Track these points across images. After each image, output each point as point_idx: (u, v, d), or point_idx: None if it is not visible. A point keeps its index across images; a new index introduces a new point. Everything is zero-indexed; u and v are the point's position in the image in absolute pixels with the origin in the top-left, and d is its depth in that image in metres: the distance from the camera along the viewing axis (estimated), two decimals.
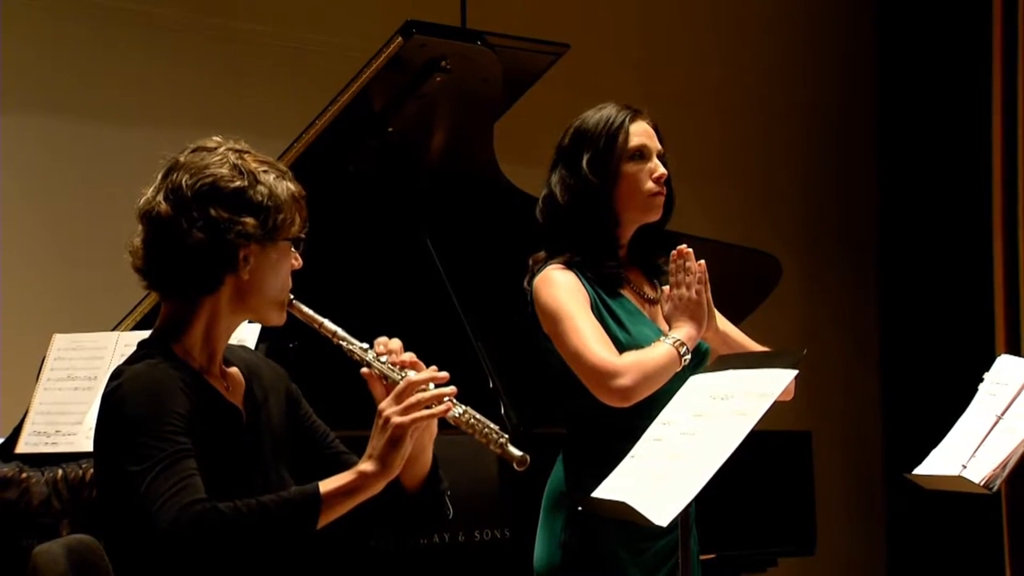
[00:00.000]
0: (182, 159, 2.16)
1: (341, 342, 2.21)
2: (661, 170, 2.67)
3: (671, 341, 2.56)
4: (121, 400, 2.05)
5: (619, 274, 2.69)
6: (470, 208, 3.90)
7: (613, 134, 2.66)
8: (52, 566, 2.16)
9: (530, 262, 2.72)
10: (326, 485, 2.05)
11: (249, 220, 2.11)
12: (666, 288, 2.66)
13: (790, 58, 6.31)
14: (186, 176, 2.12)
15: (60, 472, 2.87)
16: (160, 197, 2.13)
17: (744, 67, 6.16)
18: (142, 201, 2.16)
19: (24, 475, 2.81)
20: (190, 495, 1.97)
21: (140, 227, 2.16)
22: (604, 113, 2.69)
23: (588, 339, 2.55)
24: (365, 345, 2.21)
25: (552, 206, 2.69)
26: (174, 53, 4.79)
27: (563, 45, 3.85)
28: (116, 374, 2.10)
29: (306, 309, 2.22)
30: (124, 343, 3.15)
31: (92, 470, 2.85)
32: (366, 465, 2.07)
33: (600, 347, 2.55)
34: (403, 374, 2.16)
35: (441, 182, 3.87)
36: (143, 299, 3.49)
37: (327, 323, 2.22)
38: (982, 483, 2.50)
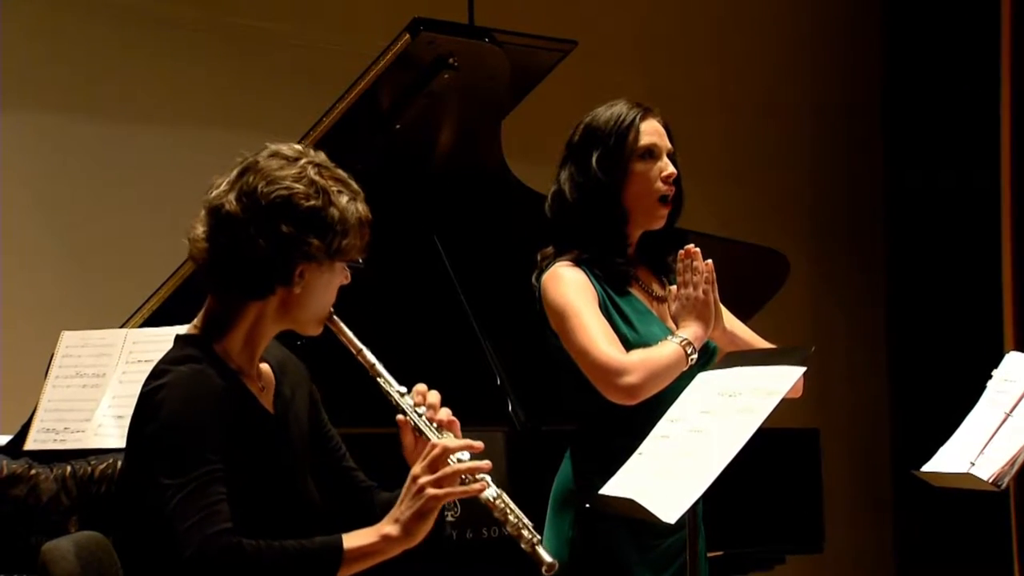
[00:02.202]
0: (260, 162, 2.12)
1: (378, 378, 2.20)
2: (671, 169, 2.66)
3: (678, 340, 2.55)
4: (161, 404, 2.03)
5: (628, 272, 2.68)
6: (477, 205, 3.90)
7: (623, 132, 2.65)
8: (62, 563, 2.16)
9: (538, 258, 2.71)
10: (349, 541, 2.04)
11: (315, 241, 2.09)
12: (673, 288, 2.65)
13: (797, 55, 6.31)
14: (262, 182, 2.09)
15: (69, 469, 2.87)
16: (232, 196, 2.10)
17: (751, 64, 6.15)
18: (213, 194, 2.12)
19: (33, 471, 2.81)
20: (218, 523, 1.97)
21: (204, 217, 2.13)
22: (615, 110, 2.68)
23: (595, 336, 2.55)
24: (403, 389, 2.20)
25: (561, 203, 2.68)
26: (182, 51, 4.80)
27: (570, 42, 3.85)
28: (159, 373, 2.08)
29: (346, 330, 2.21)
30: (132, 340, 3.15)
31: (100, 466, 2.85)
32: (391, 529, 2.06)
33: (607, 344, 2.54)
34: (439, 434, 2.15)
35: (449, 180, 3.87)
36: (151, 296, 3.49)
37: (367, 352, 2.21)
38: (991, 480, 2.50)
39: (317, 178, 2.12)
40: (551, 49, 3.84)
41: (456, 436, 2.18)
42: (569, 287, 2.60)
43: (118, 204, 4.66)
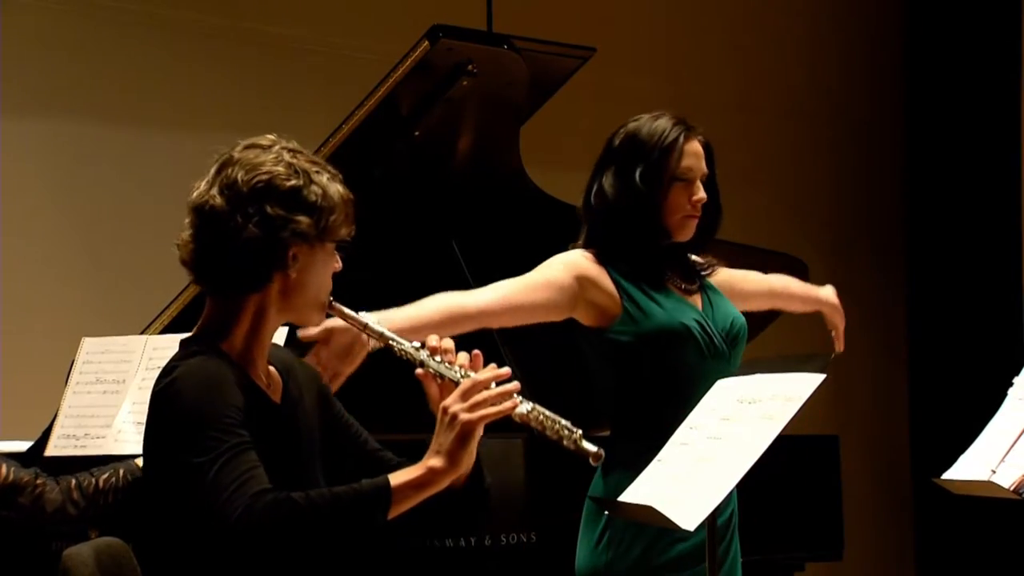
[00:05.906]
0: (236, 155, 2.15)
1: (390, 342, 2.21)
2: (700, 195, 2.68)
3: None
4: (177, 394, 2.04)
5: (662, 269, 2.71)
6: (496, 211, 3.90)
7: (666, 150, 2.66)
8: (82, 568, 2.17)
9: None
10: (396, 478, 2.05)
11: (303, 219, 2.11)
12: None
13: (818, 59, 6.30)
14: (241, 172, 2.12)
15: (73, 481, 2.85)
16: (215, 191, 2.12)
17: (770, 69, 6.14)
18: (195, 194, 2.14)
19: (39, 481, 2.80)
20: (258, 484, 1.97)
21: (190, 220, 2.14)
22: (659, 125, 2.69)
23: (508, 284, 2.62)
24: (417, 344, 2.21)
25: (603, 200, 2.69)
26: (203, 57, 4.82)
27: (589, 49, 3.85)
28: (168, 370, 2.09)
29: (347, 310, 2.22)
30: (153, 346, 3.16)
31: (103, 476, 2.83)
32: (434, 461, 2.06)
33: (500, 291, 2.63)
34: (462, 373, 2.16)
35: (467, 186, 3.88)
36: (171, 302, 3.51)
37: (373, 324, 2.22)
38: (1012, 488, 2.49)
39: (293, 160, 2.15)
40: (570, 56, 3.84)
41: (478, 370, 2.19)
42: (547, 266, 2.65)
43: (139, 211, 4.68)
